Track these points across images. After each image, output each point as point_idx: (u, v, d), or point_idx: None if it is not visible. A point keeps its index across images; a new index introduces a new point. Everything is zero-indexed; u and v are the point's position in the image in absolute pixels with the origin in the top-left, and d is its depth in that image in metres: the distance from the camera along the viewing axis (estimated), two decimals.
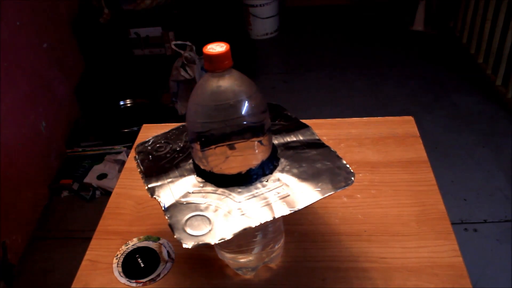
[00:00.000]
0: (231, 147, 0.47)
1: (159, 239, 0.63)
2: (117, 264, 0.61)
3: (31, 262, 1.59)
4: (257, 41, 2.82)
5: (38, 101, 1.84)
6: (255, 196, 0.47)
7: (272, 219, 0.45)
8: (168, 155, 0.56)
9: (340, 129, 0.80)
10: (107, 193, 1.79)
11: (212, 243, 0.43)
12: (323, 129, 0.79)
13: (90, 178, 1.84)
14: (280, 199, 0.47)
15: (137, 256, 0.61)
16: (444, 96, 2.19)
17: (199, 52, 1.98)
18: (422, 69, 2.43)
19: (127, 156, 1.40)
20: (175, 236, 0.44)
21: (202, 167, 0.50)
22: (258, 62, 2.61)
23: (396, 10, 2.88)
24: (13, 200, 1.59)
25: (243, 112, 0.46)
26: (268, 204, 0.46)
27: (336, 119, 0.83)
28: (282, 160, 0.52)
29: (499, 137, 1.91)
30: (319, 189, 0.47)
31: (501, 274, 1.39)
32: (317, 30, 2.89)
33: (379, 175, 0.70)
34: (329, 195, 0.47)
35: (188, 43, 1.97)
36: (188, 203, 0.48)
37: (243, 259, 0.55)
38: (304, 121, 0.59)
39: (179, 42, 1.96)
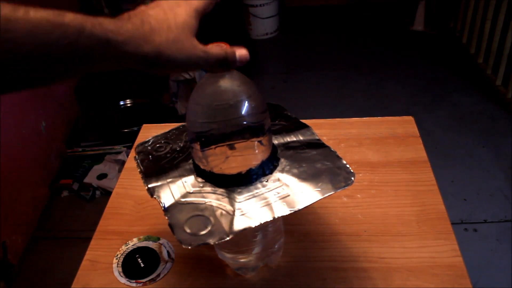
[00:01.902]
0: (231, 147, 0.47)
1: (159, 239, 0.63)
2: (117, 264, 0.61)
3: (31, 262, 1.59)
4: (257, 41, 2.82)
5: (38, 101, 1.84)
6: (255, 196, 0.47)
7: (272, 219, 0.45)
8: (168, 155, 0.56)
9: (340, 129, 0.80)
10: (107, 193, 1.79)
11: (212, 243, 0.43)
12: (323, 129, 0.79)
13: (90, 178, 1.84)
14: (280, 199, 0.47)
15: (137, 256, 0.61)
16: (444, 96, 2.19)
17: None
18: (422, 69, 2.42)
19: (127, 156, 1.40)
20: (175, 236, 0.44)
21: (202, 167, 0.49)
22: (258, 62, 2.61)
23: (396, 10, 2.88)
24: (13, 200, 1.59)
25: (243, 112, 0.46)
26: (268, 204, 0.46)
27: (336, 119, 0.83)
28: (282, 160, 0.52)
29: (499, 137, 1.91)
30: (319, 189, 0.47)
31: (501, 274, 1.39)
32: (317, 30, 2.89)
33: (379, 175, 0.70)
34: (329, 195, 0.47)
35: None
36: (188, 203, 0.48)
37: (243, 259, 0.55)
38: (304, 121, 0.59)
39: None
